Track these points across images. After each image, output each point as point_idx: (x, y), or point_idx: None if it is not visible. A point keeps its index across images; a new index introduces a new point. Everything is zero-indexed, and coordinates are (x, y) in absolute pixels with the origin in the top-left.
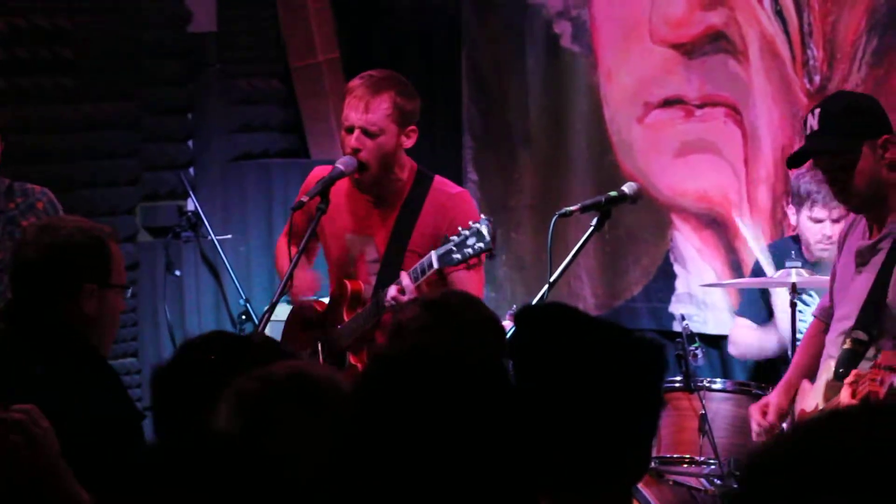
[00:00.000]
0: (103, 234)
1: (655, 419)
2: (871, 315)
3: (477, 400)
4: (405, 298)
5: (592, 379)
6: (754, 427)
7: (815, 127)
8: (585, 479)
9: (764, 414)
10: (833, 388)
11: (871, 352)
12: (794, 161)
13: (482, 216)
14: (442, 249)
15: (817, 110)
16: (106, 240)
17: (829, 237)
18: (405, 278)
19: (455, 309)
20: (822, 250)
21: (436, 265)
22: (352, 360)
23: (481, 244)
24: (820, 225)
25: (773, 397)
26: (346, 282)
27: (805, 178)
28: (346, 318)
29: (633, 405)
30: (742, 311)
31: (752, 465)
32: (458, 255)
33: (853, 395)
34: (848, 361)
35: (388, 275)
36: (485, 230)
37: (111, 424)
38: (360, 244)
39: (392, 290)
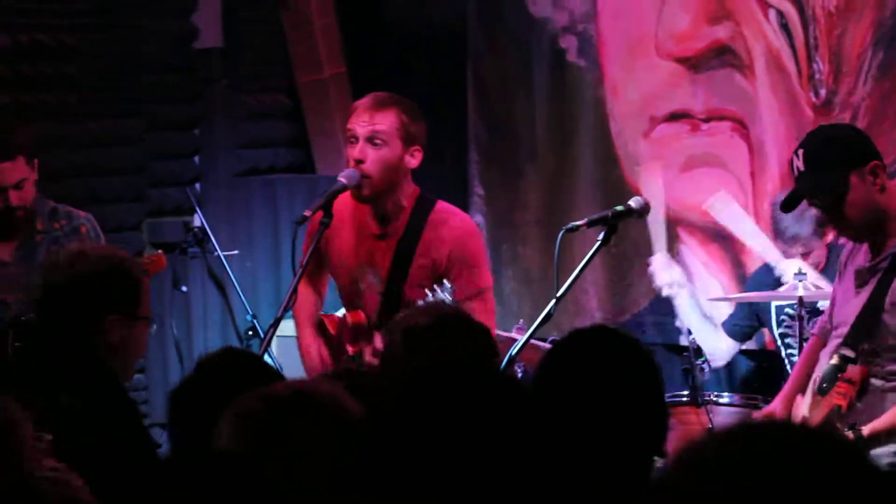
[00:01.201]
0: (133, 266)
1: (659, 425)
2: (862, 332)
3: (491, 409)
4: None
5: (609, 391)
6: None
7: (802, 167)
8: (585, 480)
9: None
10: (816, 401)
11: None
12: (787, 205)
13: (443, 284)
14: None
15: (800, 151)
16: (135, 271)
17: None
18: (378, 341)
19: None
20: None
21: None
22: None
23: None
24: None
25: (776, 407)
26: (347, 315)
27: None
28: (349, 350)
29: (636, 412)
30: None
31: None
32: None
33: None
34: (831, 376)
35: (390, 308)
36: (447, 298)
37: (126, 453)
38: (366, 275)
39: (367, 355)
